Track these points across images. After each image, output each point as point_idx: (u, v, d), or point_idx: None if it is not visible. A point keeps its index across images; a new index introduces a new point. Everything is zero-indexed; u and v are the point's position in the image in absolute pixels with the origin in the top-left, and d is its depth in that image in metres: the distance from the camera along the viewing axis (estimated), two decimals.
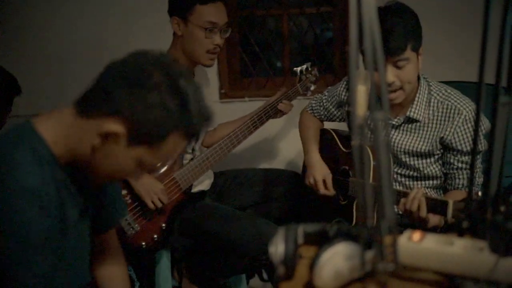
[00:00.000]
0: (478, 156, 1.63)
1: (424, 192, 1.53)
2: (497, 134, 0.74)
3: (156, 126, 0.99)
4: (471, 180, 0.88)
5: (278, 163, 2.92)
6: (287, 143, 2.91)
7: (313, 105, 2.09)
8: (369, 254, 0.77)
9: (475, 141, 0.76)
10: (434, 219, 1.52)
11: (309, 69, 2.25)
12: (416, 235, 0.81)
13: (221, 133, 2.09)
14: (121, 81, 0.98)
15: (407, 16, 1.59)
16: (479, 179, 1.67)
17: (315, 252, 0.81)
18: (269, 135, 2.88)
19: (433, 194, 1.79)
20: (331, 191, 1.89)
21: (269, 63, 3.08)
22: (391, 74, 1.58)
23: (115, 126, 0.98)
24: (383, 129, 0.71)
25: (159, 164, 1.09)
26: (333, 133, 2.02)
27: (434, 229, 1.58)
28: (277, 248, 0.83)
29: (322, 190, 1.89)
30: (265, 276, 2.33)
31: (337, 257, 0.79)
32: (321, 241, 0.85)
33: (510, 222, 0.72)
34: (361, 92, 0.77)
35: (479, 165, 1.66)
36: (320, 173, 1.90)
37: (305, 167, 2.03)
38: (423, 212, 1.47)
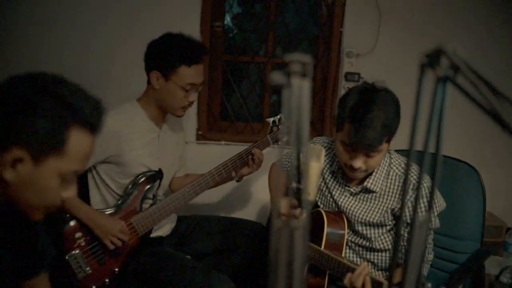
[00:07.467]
0: (429, 232, 1.63)
1: (369, 271, 1.50)
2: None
3: (49, 133, 0.99)
4: (393, 258, 0.88)
5: (243, 213, 2.91)
6: (255, 194, 2.91)
7: (283, 161, 2.10)
8: None
9: (402, 207, 0.76)
10: None
11: (282, 120, 2.26)
12: None
13: (190, 179, 2.08)
14: (3, 113, 0.98)
15: (389, 108, 1.52)
16: (429, 255, 1.66)
17: None
18: (238, 185, 2.87)
19: (380, 274, 1.77)
20: None
21: (249, 109, 3.10)
22: (360, 161, 1.57)
23: (16, 153, 0.98)
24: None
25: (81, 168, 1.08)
26: None
27: None
28: None
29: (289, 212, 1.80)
30: None
31: None
32: None
33: None
34: (314, 169, 0.77)
35: (429, 241, 1.65)
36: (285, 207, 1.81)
37: (270, 218, 2.00)
38: None
